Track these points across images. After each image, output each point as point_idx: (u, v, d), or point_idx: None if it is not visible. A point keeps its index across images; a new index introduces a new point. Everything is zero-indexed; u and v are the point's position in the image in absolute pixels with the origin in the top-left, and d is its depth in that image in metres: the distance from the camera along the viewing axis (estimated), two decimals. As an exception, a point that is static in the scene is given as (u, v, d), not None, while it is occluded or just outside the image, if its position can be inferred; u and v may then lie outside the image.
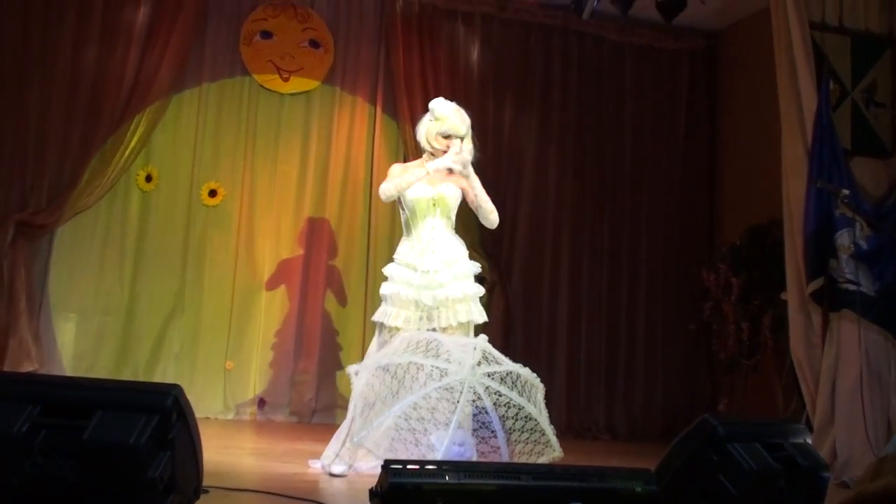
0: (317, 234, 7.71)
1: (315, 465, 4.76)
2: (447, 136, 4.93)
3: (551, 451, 4.52)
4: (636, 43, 8.66)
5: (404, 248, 4.99)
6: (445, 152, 4.92)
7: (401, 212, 5.06)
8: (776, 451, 3.38)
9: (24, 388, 2.83)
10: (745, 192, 8.05)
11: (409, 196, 4.93)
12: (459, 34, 8.18)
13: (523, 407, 4.49)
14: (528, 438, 4.50)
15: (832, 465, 5.19)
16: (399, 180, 4.92)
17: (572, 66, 8.49)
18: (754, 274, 7.20)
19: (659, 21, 7.42)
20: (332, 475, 4.54)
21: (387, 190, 4.92)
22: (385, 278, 5.00)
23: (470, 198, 5.04)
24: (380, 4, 8.04)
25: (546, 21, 8.36)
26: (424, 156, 5.06)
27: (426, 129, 4.99)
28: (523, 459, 4.44)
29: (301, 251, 7.67)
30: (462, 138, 4.97)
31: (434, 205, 4.95)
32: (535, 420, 4.51)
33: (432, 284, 4.84)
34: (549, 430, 4.54)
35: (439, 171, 4.92)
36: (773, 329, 6.94)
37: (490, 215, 5.04)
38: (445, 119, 4.94)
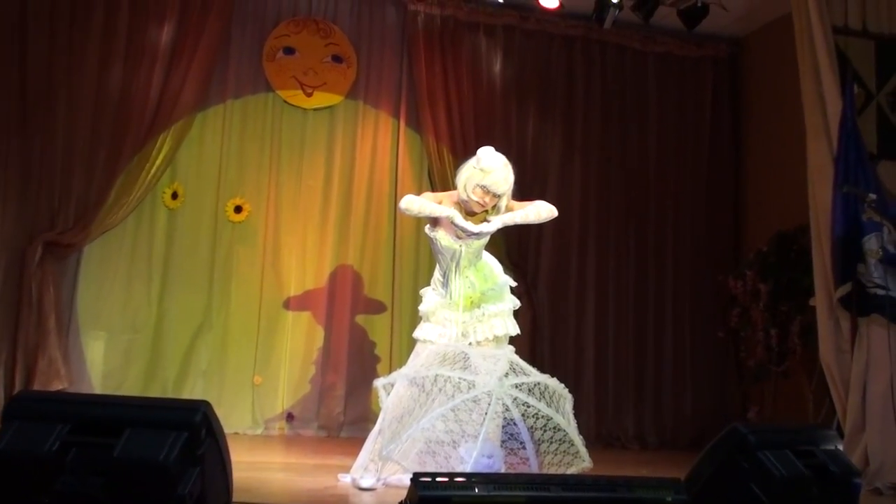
0: (342, 248, 7.72)
1: (345, 480, 4.75)
2: (486, 191, 4.78)
3: (580, 462, 4.50)
4: (659, 51, 8.64)
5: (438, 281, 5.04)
6: (479, 203, 4.81)
7: (430, 244, 5.07)
8: (807, 458, 3.36)
9: (54, 406, 2.86)
10: (771, 199, 8.01)
11: (441, 242, 4.91)
12: (481, 46, 8.19)
13: (552, 418, 4.48)
14: (556, 449, 4.48)
15: (864, 472, 5.14)
16: (427, 205, 4.80)
17: (595, 76, 8.48)
18: (782, 280, 7.16)
19: (681, 29, 7.41)
20: (361, 489, 4.53)
21: (412, 206, 4.80)
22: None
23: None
24: (402, 18, 8.06)
25: (568, 31, 8.36)
26: (457, 196, 4.91)
27: (467, 176, 4.81)
28: (552, 470, 4.43)
29: (327, 266, 7.68)
30: (500, 196, 4.84)
31: (460, 247, 4.93)
32: (564, 431, 4.49)
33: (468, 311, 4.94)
34: (579, 441, 4.52)
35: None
36: (801, 335, 6.90)
37: (544, 218, 5.00)
38: (490, 173, 4.75)
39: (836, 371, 5.61)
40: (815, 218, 5.82)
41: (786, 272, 7.13)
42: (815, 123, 5.84)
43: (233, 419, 7.10)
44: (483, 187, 4.77)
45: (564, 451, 4.48)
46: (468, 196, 4.82)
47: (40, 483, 2.65)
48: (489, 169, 4.77)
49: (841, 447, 3.65)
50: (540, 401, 4.50)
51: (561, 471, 4.42)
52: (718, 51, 8.73)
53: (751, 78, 8.64)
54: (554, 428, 4.47)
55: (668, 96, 8.66)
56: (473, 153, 4.92)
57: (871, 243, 5.49)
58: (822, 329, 5.72)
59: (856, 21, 6.04)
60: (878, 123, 5.96)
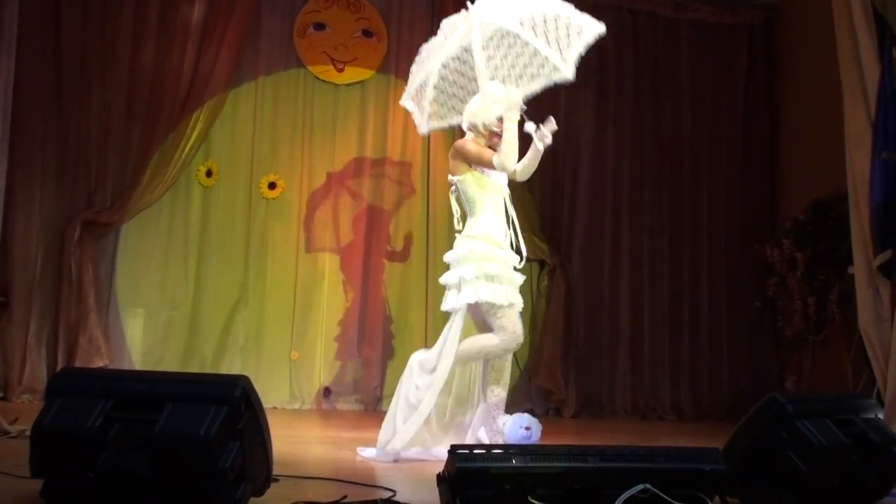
0: (376, 222, 7.74)
1: (365, 454, 4.73)
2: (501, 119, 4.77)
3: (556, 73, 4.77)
4: (691, 18, 8.52)
5: (487, 225, 4.78)
6: (499, 134, 4.75)
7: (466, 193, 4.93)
8: (847, 426, 3.34)
9: (96, 383, 2.89)
10: (808, 166, 7.91)
11: (492, 175, 4.86)
12: (512, 17, 8.12)
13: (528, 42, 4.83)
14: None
15: (905, 440, 5.09)
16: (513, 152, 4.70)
17: (627, 46, 8.39)
18: (819, 248, 7.07)
19: (714, -5, 7.31)
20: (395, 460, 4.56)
21: (513, 164, 4.72)
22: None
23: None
24: (431, -10, 8.03)
25: (598, 0, 8.26)
26: (476, 136, 4.87)
27: (486, 112, 4.78)
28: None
29: (361, 240, 7.70)
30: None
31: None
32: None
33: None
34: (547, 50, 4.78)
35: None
36: (840, 304, 6.83)
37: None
38: (503, 100, 4.76)
39: (875, 339, 5.56)
40: (853, 185, 5.75)
41: (823, 240, 7.04)
42: (853, 88, 5.76)
43: (271, 394, 7.17)
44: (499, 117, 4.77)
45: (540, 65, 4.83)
46: (492, 130, 4.80)
47: (84, 458, 2.68)
48: (501, 97, 4.78)
49: (881, 416, 3.62)
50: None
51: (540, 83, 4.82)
52: (753, 17, 8.61)
53: (786, 44, 8.52)
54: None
55: (702, 64, 8.55)
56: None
57: (912, 210, 5.43)
58: (860, 297, 5.67)
59: (894, -18, 5.94)
60: (917, 88, 5.86)
